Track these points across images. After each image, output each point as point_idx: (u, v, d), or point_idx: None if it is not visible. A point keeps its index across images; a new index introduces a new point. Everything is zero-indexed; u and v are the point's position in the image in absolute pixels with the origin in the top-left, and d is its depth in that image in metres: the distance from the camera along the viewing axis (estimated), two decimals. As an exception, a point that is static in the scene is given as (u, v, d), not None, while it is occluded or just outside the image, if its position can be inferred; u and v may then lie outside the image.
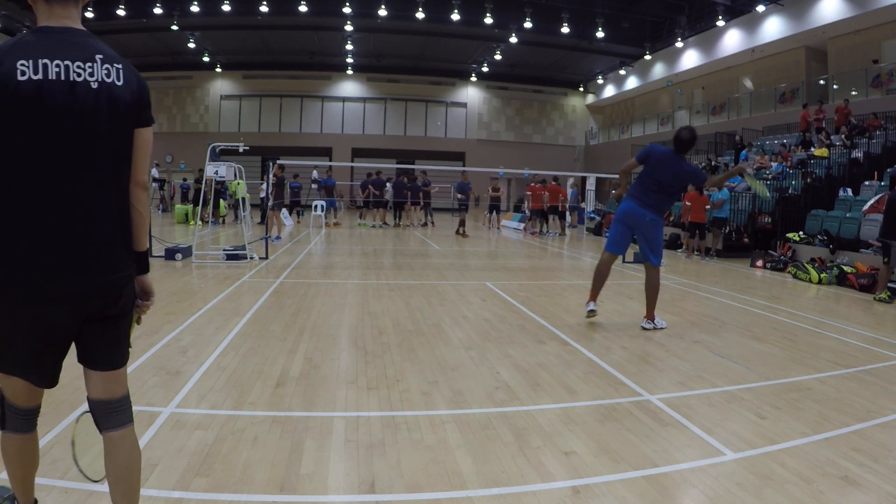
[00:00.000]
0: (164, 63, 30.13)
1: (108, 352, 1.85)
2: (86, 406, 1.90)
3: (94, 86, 1.71)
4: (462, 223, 16.81)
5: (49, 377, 1.80)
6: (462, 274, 9.02)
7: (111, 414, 1.84)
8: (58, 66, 1.66)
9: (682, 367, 4.32)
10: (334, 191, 19.37)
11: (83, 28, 1.79)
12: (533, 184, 18.04)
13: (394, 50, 29.19)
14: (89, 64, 1.71)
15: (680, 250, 13.38)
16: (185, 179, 23.56)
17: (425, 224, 19.68)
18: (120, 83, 1.75)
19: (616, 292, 7.66)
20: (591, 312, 5.57)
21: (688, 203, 12.30)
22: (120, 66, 1.77)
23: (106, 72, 1.73)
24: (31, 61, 1.63)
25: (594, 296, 5.65)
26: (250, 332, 4.91)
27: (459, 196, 17.21)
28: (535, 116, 34.66)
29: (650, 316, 5.55)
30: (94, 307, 1.75)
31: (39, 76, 1.63)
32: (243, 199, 10.62)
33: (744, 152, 16.73)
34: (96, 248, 1.72)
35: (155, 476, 2.45)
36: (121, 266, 1.79)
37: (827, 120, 16.42)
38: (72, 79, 1.68)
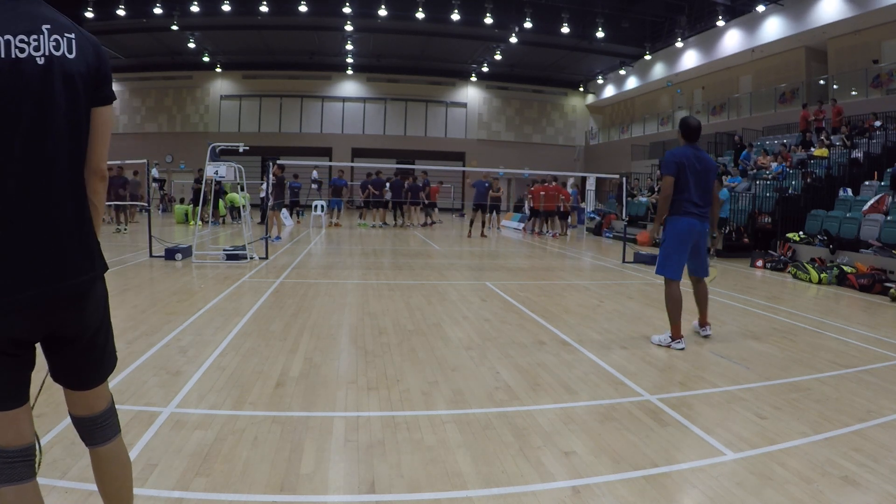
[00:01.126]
0: (164, 63, 30.14)
1: (87, 375, 1.69)
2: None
3: (41, 61, 1.47)
4: (482, 223, 16.29)
5: (23, 395, 1.57)
6: (462, 274, 9.02)
7: (95, 430, 1.73)
8: None
9: (682, 367, 4.32)
10: (342, 191, 19.37)
11: None
12: (546, 183, 17.55)
13: (394, 50, 29.20)
14: (34, 36, 1.47)
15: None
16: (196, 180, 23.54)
17: (425, 224, 19.65)
18: (72, 55, 1.53)
19: (616, 292, 7.67)
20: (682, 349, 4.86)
21: None
22: (72, 35, 1.54)
23: (54, 43, 1.50)
24: None
25: (677, 328, 4.96)
26: (250, 332, 4.91)
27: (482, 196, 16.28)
28: (535, 116, 34.66)
29: (706, 321, 5.33)
30: (60, 316, 1.55)
31: None
32: (243, 205, 10.66)
33: (744, 152, 16.71)
34: (57, 250, 1.52)
35: (155, 476, 2.45)
36: (84, 268, 1.58)
37: (826, 120, 16.45)
38: (14, 55, 1.44)
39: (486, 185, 16.40)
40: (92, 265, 1.62)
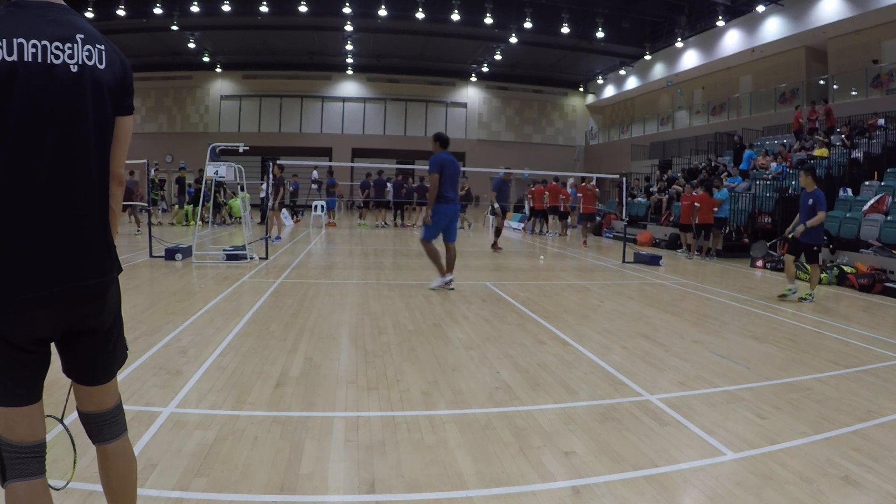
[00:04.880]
0: (164, 63, 30.14)
1: (100, 368, 1.72)
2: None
3: (75, 69, 1.53)
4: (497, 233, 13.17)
5: (38, 391, 1.60)
6: (462, 274, 9.02)
7: (103, 426, 1.75)
8: (34, 45, 1.47)
9: (682, 367, 4.32)
10: (335, 190, 19.48)
11: (63, 3, 1.60)
12: (584, 184, 16.33)
13: (394, 50, 29.21)
14: (69, 44, 1.52)
15: (680, 250, 13.38)
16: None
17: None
18: (102, 66, 1.59)
19: (616, 292, 7.66)
20: (450, 282, 7.25)
21: (696, 204, 12.24)
22: (102, 46, 1.60)
23: (87, 53, 1.55)
24: (4, 40, 1.44)
25: (443, 269, 7.25)
26: (250, 332, 4.91)
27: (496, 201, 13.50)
28: (535, 116, 34.67)
29: (450, 273, 7.26)
30: (79, 314, 1.59)
31: (14, 57, 1.44)
32: (242, 205, 10.68)
33: (750, 152, 16.64)
34: (81, 249, 1.57)
35: (155, 476, 2.45)
36: (105, 267, 1.64)
37: (820, 120, 16.45)
38: (49, 61, 1.49)
39: (507, 184, 14.21)
40: (112, 266, 1.68)
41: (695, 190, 12.87)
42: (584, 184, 16.38)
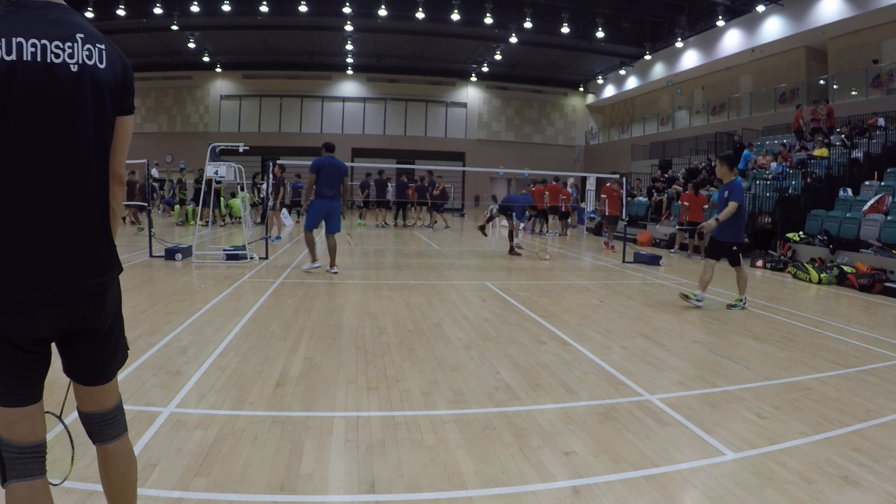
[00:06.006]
0: (164, 63, 30.16)
1: (100, 368, 1.72)
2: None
3: (75, 69, 1.52)
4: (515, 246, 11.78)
5: (38, 392, 1.60)
6: (462, 274, 9.02)
7: (103, 426, 1.75)
8: (34, 45, 1.46)
9: (682, 367, 4.32)
10: None
11: (63, 2, 1.60)
12: (608, 185, 15.33)
13: (394, 50, 29.21)
14: (69, 44, 1.52)
15: (678, 249, 13.38)
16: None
17: (430, 224, 19.65)
18: (102, 65, 1.58)
19: (616, 292, 7.66)
20: (317, 268, 8.41)
21: (685, 203, 12.26)
22: (102, 46, 1.59)
23: (87, 52, 1.55)
24: (3, 40, 1.43)
25: (315, 256, 8.44)
26: (250, 332, 4.91)
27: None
28: (535, 116, 34.67)
29: (334, 264, 8.32)
30: (79, 314, 1.59)
31: (13, 57, 1.43)
32: (243, 205, 10.69)
33: (748, 153, 16.64)
34: (81, 249, 1.57)
35: (155, 476, 2.45)
36: (105, 267, 1.64)
37: (821, 120, 16.45)
38: (49, 60, 1.48)
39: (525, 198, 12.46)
40: (112, 265, 1.68)
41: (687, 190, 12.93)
42: (608, 184, 15.09)
